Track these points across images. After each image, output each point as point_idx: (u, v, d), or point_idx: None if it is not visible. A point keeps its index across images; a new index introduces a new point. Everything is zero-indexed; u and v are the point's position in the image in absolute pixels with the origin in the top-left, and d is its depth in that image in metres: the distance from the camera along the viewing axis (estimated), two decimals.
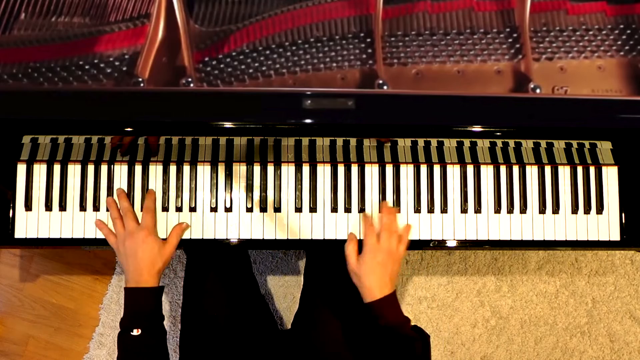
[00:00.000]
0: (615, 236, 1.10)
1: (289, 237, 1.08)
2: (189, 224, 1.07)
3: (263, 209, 1.08)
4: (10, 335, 1.72)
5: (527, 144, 1.08)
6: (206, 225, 1.08)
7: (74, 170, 1.08)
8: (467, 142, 1.07)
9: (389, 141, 1.06)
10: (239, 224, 1.08)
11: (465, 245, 1.10)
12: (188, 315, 1.15)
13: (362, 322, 1.12)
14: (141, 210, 1.05)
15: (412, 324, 0.96)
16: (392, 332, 0.93)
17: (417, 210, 1.09)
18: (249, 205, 1.08)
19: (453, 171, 1.10)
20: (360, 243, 1.00)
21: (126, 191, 1.07)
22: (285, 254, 1.73)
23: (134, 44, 0.98)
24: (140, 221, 1.03)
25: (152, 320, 0.96)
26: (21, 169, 1.07)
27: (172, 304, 1.72)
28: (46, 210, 1.07)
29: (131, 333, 0.93)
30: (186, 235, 1.08)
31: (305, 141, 1.07)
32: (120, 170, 1.08)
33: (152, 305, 0.97)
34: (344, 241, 1.07)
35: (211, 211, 1.08)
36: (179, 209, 1.08)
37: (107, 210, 1.06)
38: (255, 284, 1.26)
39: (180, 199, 1.08)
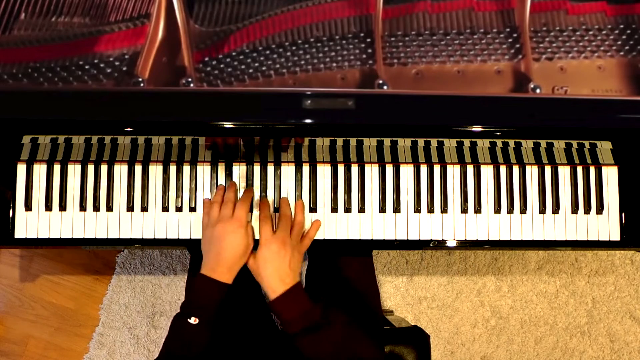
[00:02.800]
0: (615, 236, 1.10)
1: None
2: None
3: None
4: (10, 335, 1.72)
5: (527, 144, 1.08)
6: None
7: (74, 170, 1.08)
8: (467, 142, 1.07)
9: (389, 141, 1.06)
10: None
11: (465, 245, 1.10)
12: None
13: (363, 323, 1.12)
14: (141, 211, 1.05)
15: (412, 324, 0.96)
16: (303, 322, 0.92)
17: (417, 210, 1.09)
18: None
19: (453, 171, 1.10)
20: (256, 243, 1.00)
21: (126, 191, 1.07)
22: None
23: (134, 44, 0.98)
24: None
25: (211, 314, 0.93)
26: (21, 169, 1.07)
27: (172, 304, 1.72)
28: (46, 210, 1.07)
29: (189, 320, 0.90)
30: (186, 235, 1.08)
31: (305, 141, 1.07)
32: (120, 170, 1.08)
33: (218, 300, 0.94)
34: (344, 241, 1.07)
35: None
36: (179, 209, 1.08)
37: (108, 210, 1.06)
38: (257, 283, 1.25)
39: (180, 199, 1.08)
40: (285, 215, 1.01)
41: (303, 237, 1.03)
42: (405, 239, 1.09)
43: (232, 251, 0.95)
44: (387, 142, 1.07)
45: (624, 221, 1.10)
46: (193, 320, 0.91)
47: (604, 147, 1.09)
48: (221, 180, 1.08)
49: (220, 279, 0.94)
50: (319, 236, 1.08)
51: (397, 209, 1.09)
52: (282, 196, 1.08)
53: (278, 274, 0.94)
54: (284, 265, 0.95)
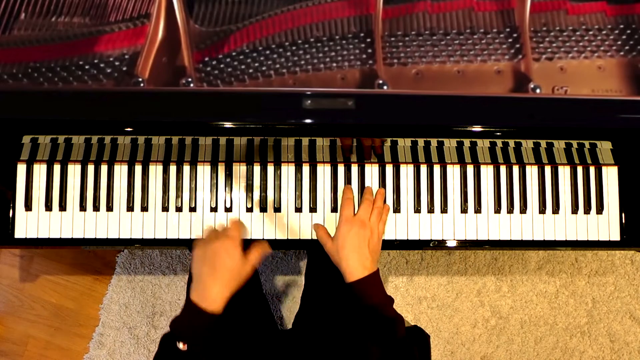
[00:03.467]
0: (615, 236, 1.10)
1: (289, 237, 1.08)
2: (267, 247, 0.97)
3: (263, 209, 1.08)
4: (10, 335, 1.72)
5: (527, 144, 1.08)
6: (206, 225, 1.08)
7: (74, 170, 1.08)
8: (467, 142, 1.07)
9: (386, 141, 1.06)
10: None
11: (465, 245, 1.10)
12: None
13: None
14: (141, 211, 1.05)
15: (413, 324, 0.96)
16: (374, 312, 0.90)
17: (417, 210, 1.09)
18: (249, 205, 1.08)
19: (453, 171, 1.10)
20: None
21: (126, 191, 1.07)
22: (285, 254, 1.73)
23: (134, 44, 0.98)
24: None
25: (201, 344, 0.86)
26: (21, 169, 1.07)
27: (172, 304, 1.72)
28: (46, 210, 1.07)
29: (177, 344, 0.85)
30: (186, 235, 1.08)
31: (305, 141, 1.07)
32: (120, 170, 1.08)
33: (207, 329, 0.87)
34: None
35: (211, 211, 1.08)
36: (179, 209, 1.08)
37: (108, 210, 1.06)
38: (258, 284, 1.26)
39: (180, 199, 1.08)
40: (367, 200, 1.02)
41: (377, 218, 1.02)
42: (405, 239, 1.09)
43: (223, 273, 0.88)
44: (387, 142, 1.07)
45: (624, 221, 1.10)
46: (181, 346, 0.85)
47: (604, 147, 1.09)
48: (221, 180, 1.08)
49: (209, 308, 0.86)
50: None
51: (397, 209, 1.09)
52: (282, 195, 1.08)
53: (358, 255, 0.93)
54: (363, 246, 0.94)
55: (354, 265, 0.92)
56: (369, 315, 0.91)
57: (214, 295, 0.87)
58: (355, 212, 1.00)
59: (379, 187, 1.09)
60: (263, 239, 1.07)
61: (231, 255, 0.89)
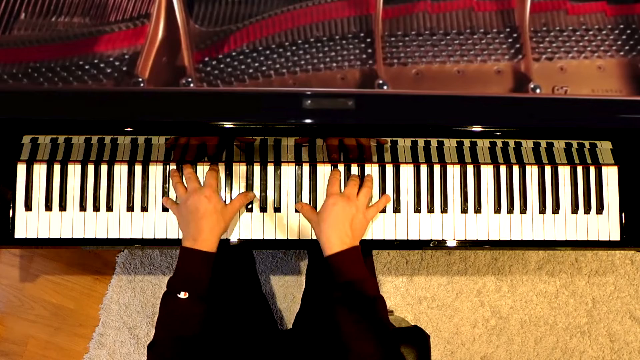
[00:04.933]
0: (615, 236, 1.10)
1: (289, 237, 1.08)
2: (255, 195, 1.06)
3: (263, 209, 1.08)
4: (10, 335, 1.72)
5: (527, 144, 1.08)
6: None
7: (74, 170, 1.08)
8: (467, 142, 1.07)
9: (389, 142, 1.06)
10: (239, 224, 1.08)
11: (465, 245, 1.10)
12: None
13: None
14: (141, 211, 1.05)
15: (413, 324, 0.96)
16: (351, 288, 0.88)
17: (417, 210, 1.09)
18: (249, 205, 1.08)
19: (453, 171, 1.10)
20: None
21: (126, 191, 1.07)
22: (285, 254, 1.73)
23: (134, 44, 0.98)
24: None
25: (201, 286, 0.91)
26: (21, 169, 1.07)
27: None
28: (46, 210, 1.07)
29: (178, 295, 0.88)
30: None
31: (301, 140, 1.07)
32: (120, 170, 1.08)
33: (205, 270, 0.92)
34: None
35: None
36: None
37: (108, 210, 1.06)
38: (258, 283, 1.26)
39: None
40: (354, 178, 1.03)
41: (371, 206, 1.03)
42: (405, 239, 1.09)
43: (210, 217, 0.94)
44: (387, 142, 1.07)
45: (624, 221, 1.10)
46: (183, 295, 0.88)
47: (604, 147, 1.09)
48: (221, 180, 1.08)
49: (204, 247, 0.91)
50: None
51: (397, 209, 1.09)
52: (282, 195, 1.08)
53: (339, 230, 0.92)
54: (345, 222, 0.94)
55: (333, 239, 0.92)
56: (345, 292, 0.89)
57: (204, 236, 0.93)
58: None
59: (379, 187, 1.09)
60: (258, 239, 1.08)
61: (212, 200, 0.97)
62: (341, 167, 1.09)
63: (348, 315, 0.87)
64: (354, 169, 1.09)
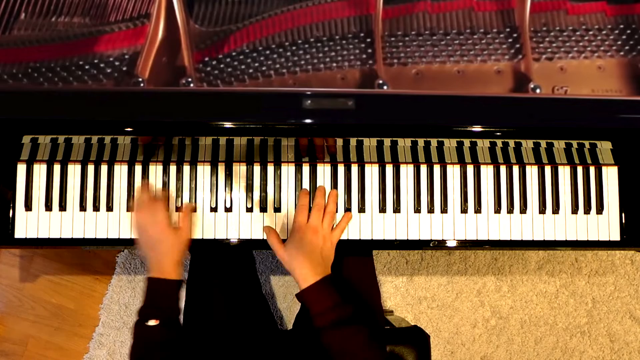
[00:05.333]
0: (615, 236, 1.10)
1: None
2: (193, 204, 1.07)
3: (263, 209, 1.08)
4: (10, 335, 1.72)
5: (527, 144, 1.08)
6: (206, 225, 1.08)
7: (74, 170, 1.08)
8: (467, 142, 1.07)
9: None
10: (239, 224, 1.08)
11: (465, 245, 1.10)
12: (190, 314, 1.16)
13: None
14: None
15: (412, 324, 0.96)
16: (333, 312, 0.89)
17: (417, 210, 1.09)
18: (249, 205, 1.08)
19: (453, 171, 1.10)
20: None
21: (126, 191, 1.07)
22: None
23: (134, 44, 0.98)
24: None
25: (170, 313, 0.94)
26: (21, 169, 1.07)
27: None
28: (46, 210, 1.07)
29: (147, 323, 0.91)
30: None
31: (301, 149, 1.07)
32: (120, 170, 1.08)
33: (173, 297, 0.96)
34: (344, 241, 1.07)
35: (211, 211, 1.08)
36: (179, 209, 1.08)
37: (108, 210, 1.07)
38: (258, 284, 1.26)
39: (180, 199, 1.08)
40: (319, 205, 1.01)
41: (334, 228, 1.02)
42: (405, 239, 1.09)
43: (166, 250, 0.97)
44: (387, 142, 1.07)
45: (624, 221, 1.10)
46: (153, 322, 0.92)
47: (604, 147, 1.09)
48: (221, 180, 1.08)
49: (170, 276, 0.96)
50: None
51: (397, 209, 1.09)
52: (282, 195, 1.08)
53: (310, 262, 0.93)
54: (315, 253, 0.94)
55: (306, 271, 0.92)
56: (328, 317, 0.90)
57: (166, 267, 0.96)
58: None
59: (379, 187, 1.09)
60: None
61: (164, 234, 0.98)
62: (341, 167, 1.09)
63: (338, 338, 0.89)
64: (354, 169, 1.09)
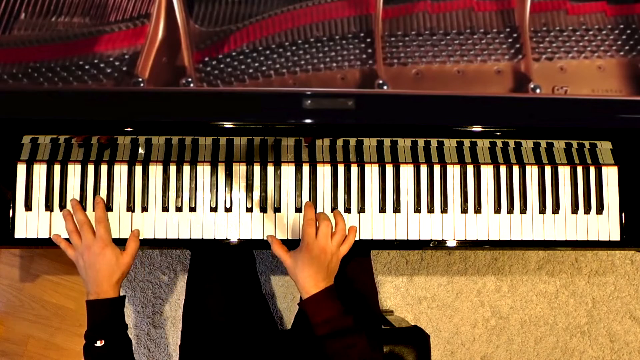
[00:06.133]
0: (615, 236, 1.10)
1: (289, 237, 1.08)
2: (139, 230, 1.07)
3: (263, 209, 1.08)
4: (10, 335, 1.72)
5: (527, 144, 1.08)
6: (206, 226, 1.08)
7: (74, 170, 1.08)
8: (467, 142, 1.07)
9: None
10: (239, 224, 1.08)
11: (465, 245, 1.10)
12: (189, 314, 1.16)
13: (362, 323, 1.12)
14: (141, 211, 1.05)
15: (412, 324, 0.96)
16: (335, 322, 0.91)
17: (417, 210, 1.09)
18: (249, 205, 1.08)
19: (453, 171, 1.10)
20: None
21: (126, 191, 1.07)
22: None
23: (134, 44, 0.98)
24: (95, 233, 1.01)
25: (114, 331, 0.96)
26: (21, 169, 1.07)
27: (172, 304, 1.72)
28: (46, 210, 1.07)
29: (95, 344, 0.93)
30: (186, 235, 1.08)
31: (305, 141, 1.07)
32: (120, 170, 1.08)
33: (113, 315, 0.97)
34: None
35: (211, 211, 1.08)
36: (179, 209, 1.08)
37: (108, 210, 1.06)
38: (258, 284, 1.26)
39: (180, 199, 1.08)
40: (326, 220, 0.98)
41: (343, 244, 1.00)
42: (405, 239, 1.09)
43: (106, 271, 0.97)
44: (387, 142, 1.07)
45: (624, 221, 1.10)
46: (99, 343, 0.93)
47: (604, 147, 1.09)
48: (221, 180, 1.08)
49: (108, 295, 0.97)
50: None
51: (397, 209, 1.09)
52: (282, 195, 1.08)
53: (315, 274, 0.93)
54: (322, 269, 0.94)
55: (309, 285, 0.93)
56: (329, 326, 0.91)
57: (105, 288, 0.97)
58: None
59: (379, 187, 1.09)
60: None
61: (105, 256, 0.98)
62: (341, 167, 1.09)
63: (338, 348, 0.90)
64: (354, 169, 1.09)
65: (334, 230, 0.98)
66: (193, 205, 1.08)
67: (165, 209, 1.08)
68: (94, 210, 1.06)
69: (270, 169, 1.09)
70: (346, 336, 0.90)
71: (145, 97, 0.95)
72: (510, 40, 1.01)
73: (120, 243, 1.08)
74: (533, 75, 0.99)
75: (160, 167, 1.08)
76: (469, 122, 0.96)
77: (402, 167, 1.10)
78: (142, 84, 0.96)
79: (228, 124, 0.95)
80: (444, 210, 1.09)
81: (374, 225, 1.09)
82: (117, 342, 0.96)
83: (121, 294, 1.00)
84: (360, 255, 1.23)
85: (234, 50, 0.98)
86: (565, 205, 1.11)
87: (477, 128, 0.96)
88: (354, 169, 1.09)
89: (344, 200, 1.09)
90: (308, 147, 1.08)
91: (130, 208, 1.07)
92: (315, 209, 1.08)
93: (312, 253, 0.95)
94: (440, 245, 1.10)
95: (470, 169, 1.10)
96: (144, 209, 1.07)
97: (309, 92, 0.95)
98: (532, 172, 1.11)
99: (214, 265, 1.18)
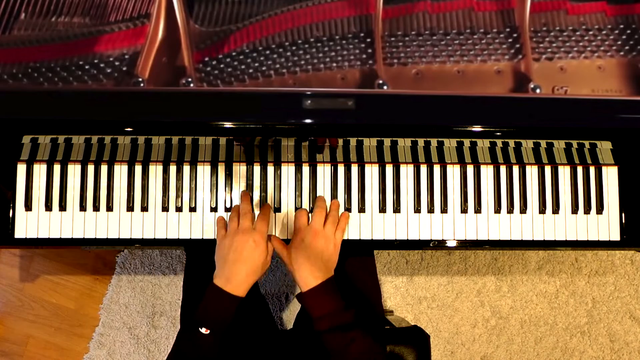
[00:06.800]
0: (615, 236, 1.10)
1: (289, 237, 1.08)
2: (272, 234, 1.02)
3: None
4: (10, 335, 1.72)
5: (527, 144, 1.08)
6: (206, 225, 1.08)
7: (74, 170, 1.08)
8: (467, 142, 1.07)
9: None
10: None
11: (465, 245, 1.10)
12: (187, 313, 1.15)
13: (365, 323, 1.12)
14: (141, 211, 1.05)
15: (412, 324, 0.96)
16: (333, 317, 0.89)
17: (417, 210, 1.09)
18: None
19: (453, 171, 1.10)
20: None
21: (126, 191, 1.07)
22: None
23: (134, 44, 0.98)
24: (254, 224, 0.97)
25: (224, 326, 0.91)
26: (21, 169, 1.07)
27: (172, 304, 1.72)
28: (46, 210, 1.07)
29: (200, 329, 0.88)
30: (186, 235, 1.08)
31: (305, 141, 1.07)
32: (120, 170, 1.08)
33: (231, 312, 0.92)
34: (344, 241, 1.07)
35: (211, 211, 1.08)
36: (179, 209, 1.08)
37: (108, 210, 1.06)
38: (256, 284, 1.26)
39: (180, 199, 1.08)
40: (320, 207, 0.99)
41: (337, 230, 1.01)
42: (405, 239, 1.09)
43: (250, 263, 0.92)
44: (387, 142, 1.07)
45: (624, 221, 1.10)
46: (204, 331, 0.88)
47: (604, 147, 1.09)
48: (221, 180, 1.08)
49: (234, 291, 0.91)
50: None
51: (397, 209, 1.09)
52: (282, 195, 1.08)
53: (310, 265, 0.92)
54: (317, 256, 0.93)
55: (307, 275, 0.92)
56: (328, 322, 0.90)
57: (239, 280, 0.91)
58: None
59: (379, 187, 1.09)
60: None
61: (260, 248, 0.93)
62: (341, 167, 1.09)
63: (338, 342, 0.89)
64: (354, 169, 1.09)
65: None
66: (193, 205, 1.08)
67: (165, 209, 1.08)
68: (108, 210, 1.07)
69: (270, 168, 1.09)
70: (346, 331, 0.89)
71: (145, 97, 0.95)
72: (510, 40, 1.01)
73: (120, 243, 1.08)
74: (533, 75, 0.99)
75: (160, 167, 1.08)
76: (469, 122, 0.96)
77: (402, 167, 1.10)
78: (142, 84, 0.96)
79: (228, 124, 0.95)
80: (444, 210, 1.09)
81: (374, 225, 1.09)
82: (219, 339, 0.90)
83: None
84: (364, 255, 1.23)
85: (234, 50, 0.99)
86: (565, 205, 1.11)
87: (477, 128, 0.96)
88: (354, 168, 1.09)
89: (344, 200, 1.09)
90: (308, 147, 1.08)
91: (130, 208, 1.07)
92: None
93: (305, 239, 0.94)
94: (440, 245, 1.10)
95: (470, 169, 1.10)
96: (144, 209, 1.07)
97: (309, 92, 0.95)
98: (532, 172, 1.11)
99: (212, 265, 1.17)
